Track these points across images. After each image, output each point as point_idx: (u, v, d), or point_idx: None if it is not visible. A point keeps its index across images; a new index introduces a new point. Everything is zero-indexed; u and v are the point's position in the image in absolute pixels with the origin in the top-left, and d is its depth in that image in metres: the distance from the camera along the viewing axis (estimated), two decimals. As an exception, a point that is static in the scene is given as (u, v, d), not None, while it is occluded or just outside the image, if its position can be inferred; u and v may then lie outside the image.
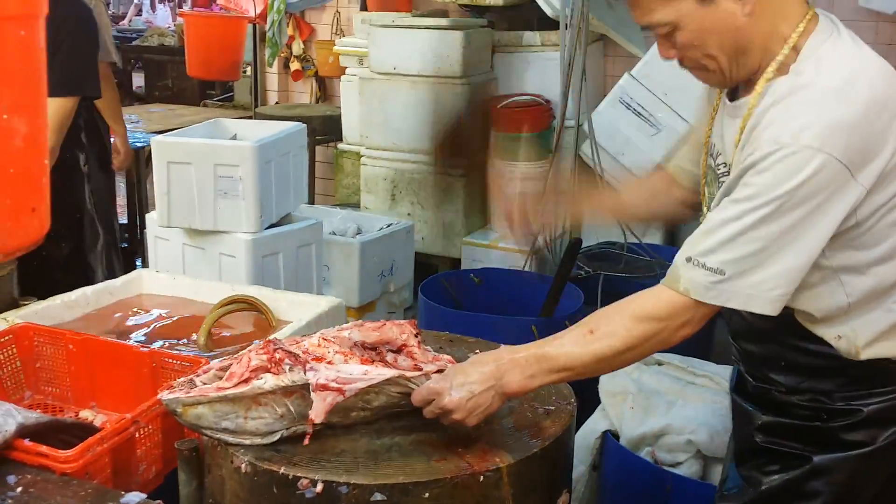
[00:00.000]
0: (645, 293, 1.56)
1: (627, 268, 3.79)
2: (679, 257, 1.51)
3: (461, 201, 4.59)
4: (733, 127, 1.55)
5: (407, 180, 4.68)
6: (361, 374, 1.57)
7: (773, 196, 1.40)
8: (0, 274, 2.33)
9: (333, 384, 1.55)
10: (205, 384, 1.62)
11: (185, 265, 3.39)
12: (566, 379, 1.60)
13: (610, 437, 2.44)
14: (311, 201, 5.36)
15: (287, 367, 1.59)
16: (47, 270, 2.71)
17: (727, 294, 1.46)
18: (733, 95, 1.61)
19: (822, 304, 1.53)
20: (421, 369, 1.69)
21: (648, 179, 2.05)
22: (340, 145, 5.20)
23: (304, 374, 1.56)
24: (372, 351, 1.75)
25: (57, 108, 2.72)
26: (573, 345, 1.55)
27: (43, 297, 2.36)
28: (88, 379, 2.08)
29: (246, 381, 1.57)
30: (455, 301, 3.37)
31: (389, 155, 4.70)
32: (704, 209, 1.68)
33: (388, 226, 4.25)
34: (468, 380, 1.55)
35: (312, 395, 1.54)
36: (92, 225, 3.01)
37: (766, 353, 1.65)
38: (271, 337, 1.95)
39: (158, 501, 1.58)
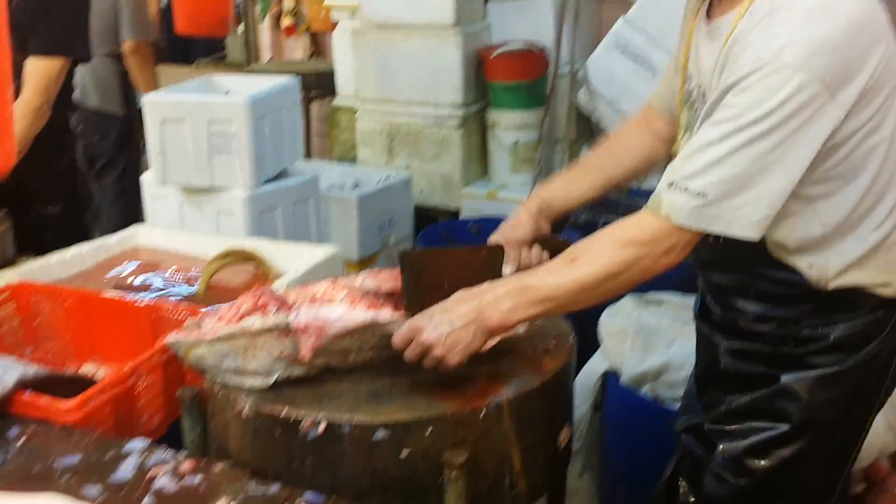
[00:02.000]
0: (627, 220, 1.54)
1: (628, 212, 3.77)
2: (661, 183, 1.50)
3: (459, 152, 4.56)
4: (711, 50, 1.53)
5: (403, 133, 4.65)
6: (337, 317, 1.57)
7: (754, 116, 1.38)
8: (-3, 232, 2.33)
9: (313, 325, 1.55)
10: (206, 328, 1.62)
11: (184, 224, 3.38)
12: (550, 311, 1.57)
13: (611, 376, 2.45)
14: (308, 157, 5.35)
15: (272, 311, 1.59)
16: (41, 230, 2.70)
17: (709, 218, 1.44)
18: (710, 16, 1.58)
19: (797, 234, 1.53)
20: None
21: (617, 139, 1.95)
22: (335, 101, 5.15)
23: (287, 317, 1.57)
24: (388, 298, 1.74)
25: (44, 68, 2.69)
26: (554, 274, 1.54)
27: (39, 256, 2.35)
28: (88, 334, 2.08)
29: (231, 321, 1.58)
30: (455, 251, 3.36)
31: (385, 108, 4.65)
32: (679, 137, 1.66)
33: (386, 179, 4.23)
34: (448, 316, 1.54)
35: (297, 335, 1.55)
36: (85, 185, 2.99)
37: (733, 282, 1.64)
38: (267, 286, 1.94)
39: (162, 445, 1.59)
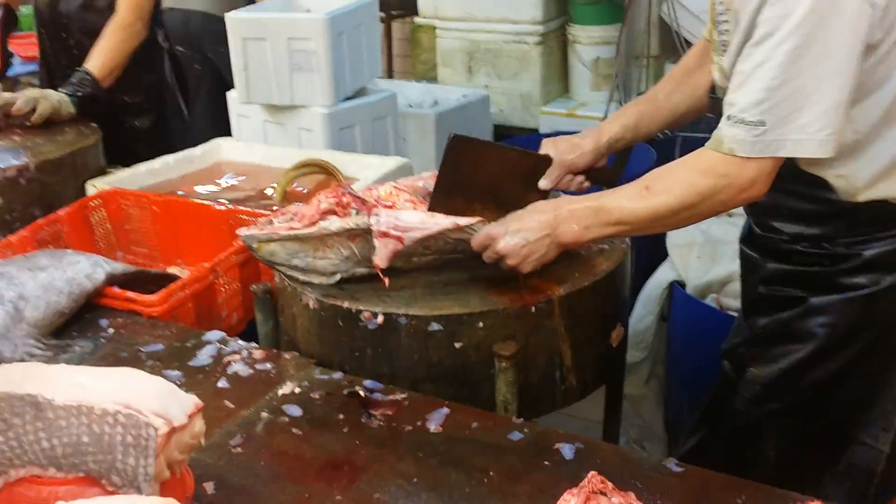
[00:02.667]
0: (697, 152, 1.52)
1: (709, 129, 3.72)
2: (721, 121, 1.46)
3: (538, 70, 4.55)
4: None
5: (483, 51, 4.65)
6: (419, 222, 1.63)
7: (790, 27, 1.34)
8: (87, 144, 2.47)
9: (393, 231, 1.61)
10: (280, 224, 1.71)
11: (267, 140, 3.49)
12: (622, 233, 1.61)
13: (677, 286, 2.48)
14: (390, 77, 5.40)
15: (353, 211, 1.66)
16: (131, 142, 2.84)
17: (776, 144, 1.40)
18: None
19: None
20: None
21: (682, 70, 1.89)
22: (416, 19, 5.17)
23: (368, 219, 1.63)
24: None
25: None
26: (631, 199, 1.54)
27: (128, 166, 2.49)
28: (173, 238, 2.22)
29: (314, 222, 1.65)
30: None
31: (464, 26, 4.66)
32: (714, 56, 1.62)
33: (464, 97, 4.26)
34: (524, 226, 1.58)
35: (375, 241, 1.61)
36: (172, 98, 3.11)
37: (768, 202, 1.59)
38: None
39: (235, 338, 1.72)
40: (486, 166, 1.70)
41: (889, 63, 1.44)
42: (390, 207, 1.69)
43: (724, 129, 1.45)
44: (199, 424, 1.24)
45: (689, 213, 1.52)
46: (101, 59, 2.71)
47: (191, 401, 1.24)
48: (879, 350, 1.60)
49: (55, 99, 2.60)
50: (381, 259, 1.60)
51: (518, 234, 1.58)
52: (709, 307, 2.37)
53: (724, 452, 1.74)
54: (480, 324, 1.56)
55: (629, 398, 2.66)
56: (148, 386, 1.23)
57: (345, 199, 1.64)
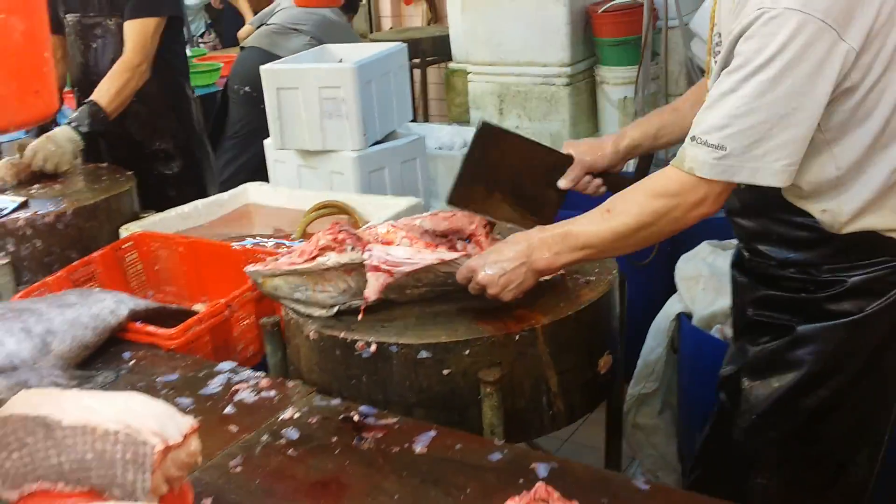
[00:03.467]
0: (657, 173, 1.61)
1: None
2: (686, 138, 1.55)
3: (567, 110, 4.65)
4: None
5: (513, 93, 4.78)
6: (407, 257, 1.74)
7: (760, 61, 1.42)
8: (121, 190, 2.64)
9: (384, 266, 1.73)
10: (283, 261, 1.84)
11: (302, 184, 3.65)
12: (590, 257, 1.68)
13: (684, 317, 2.54)
14: (426, 120, 5.56)
15: (349, 248, 1.78)
16: (162, 188, 3.02)
17: (732, 169, 1.47)
18: None
19: (812, 177, 1.55)
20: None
21: (703, 87, 1.94)
22: (450, 65, 5.33)
23: (362, 254, 1.75)
24: (442, 238, 1.92)
25: (139, 29, 3.00)
26: (592, 223, 1.64)
27: (160, 211, 2.66)
28: (198, 277, 2.37)
29: (313, 258, 1.77)
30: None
31: (494, 70, 4.79)
32: (708, 83, 1.70)
33: (494, 138, 4.38)
34: (501, 257, 1.68)
35: (367, 274, 1.73)
36: (201, 145, 3.30)
37: (757, 227, 1.67)
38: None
39: (245, 368, 1.84)
40: (511, 157, 1.77)
41: (870, 103, 1.49)
42: (388, 244, 1.81)
43: (688, 149, 1.53)
44: (195, 444, 1.36)
45: (648, 232, 1.60)
46: (109, 92, 2.92)
47: (187, 422, 1.35)
48: (869, 375, 1.64)
49: (62, 139, 2.80)
50: (371, 292, 1.71)
51: (496, 265, 1.67)
52: (713, 338, 2.43)
53: (726, 482, 1.78)
54: (467, 351, 1.66)
55: (643, 429, 2.72)
56: (148, 408, 1.35)
57: (341, 237, 1.76)
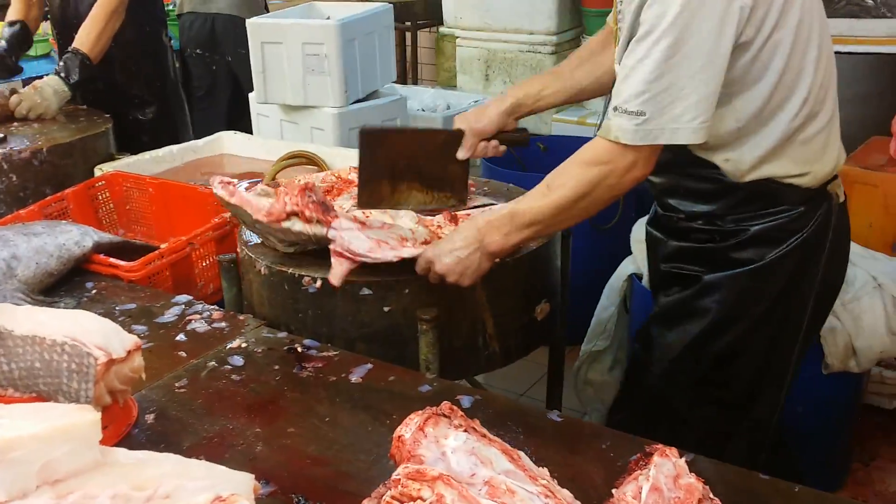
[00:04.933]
0: (587, 145, 1.67)
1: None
2: (609, 109, 1.63)
3: (551, 79, 4.71)
4: None
5: (499, 60, 4.84)
6: (368, 250, 1.74)
7: (664, 26, 1.50)
8: (97, 131, 2.72)
9: (347, 254, 1.74)
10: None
11: (284, 137, 3.72)
12: (539, 233, 1.74)
13: (635, 278, 2.63)
14: (416, 83, 5.62)
15: (315, 220, 1.81)
16: (137, 133, 3.10)
17: (653, 133, 1.56)
18: None
19: (714, 130, 1.62)
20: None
21: (588, 50, 2.05)
22: (441, 29, 5.39)
23: (326, 231, 1.77)
24: None
25: None
26: (535, 200, 1.70)
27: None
28: (167, 218, 2.45)
29: (279, 220, 1.78)
30: (521, 167, 3.57)
31: (482, 35, 4.86)
32: (615, 55, 1.75)
33: (475, 103, 4.45)
34: (454, 246, 1.72)
35: (332, 258, 1.75)
36: (176, 93, 3.37)
37: (666, 183, 1.76)
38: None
39: (200, 301, 1.93)
40: (401, 150, 1.88)
41: (764, 58, 1.59)
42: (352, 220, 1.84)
43: (611, 119, 1.61)
44: (138, 360, 1.45)
45: (588, 202, 1.66)
46: (90, 38, 2.99)
47: (131, 339, 1.45)
48: (771, 321, 1.74)
49: (49, 92, 2.88)
50: (336, 278, 1.73)
51: (451, 255, 1.71)
52: (661, 298, 2.52)
53: (642, 425, 1.88)
54: (406, 290, 1.75)
55: (593, 384, 2.82)
56: (94, 324, 1.44)
57: (308, 212, 1.77)
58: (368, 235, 1.76)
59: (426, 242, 1.82)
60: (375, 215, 1.89)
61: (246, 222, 1.88)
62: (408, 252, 1.76)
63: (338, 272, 1.75)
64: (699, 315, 1.76)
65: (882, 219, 2.78)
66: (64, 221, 2.14)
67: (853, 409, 2.58)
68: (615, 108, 1.59)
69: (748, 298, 1.73)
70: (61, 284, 2.01)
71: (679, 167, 1.70)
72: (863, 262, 2.46)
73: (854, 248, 2.52)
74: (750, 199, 1.69)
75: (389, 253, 1.75)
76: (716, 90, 1.55)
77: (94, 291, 1.99)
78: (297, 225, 1.79)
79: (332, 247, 1.75)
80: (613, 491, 1.14)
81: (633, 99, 1.55)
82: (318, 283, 1.77)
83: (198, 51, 4.37)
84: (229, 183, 1.89)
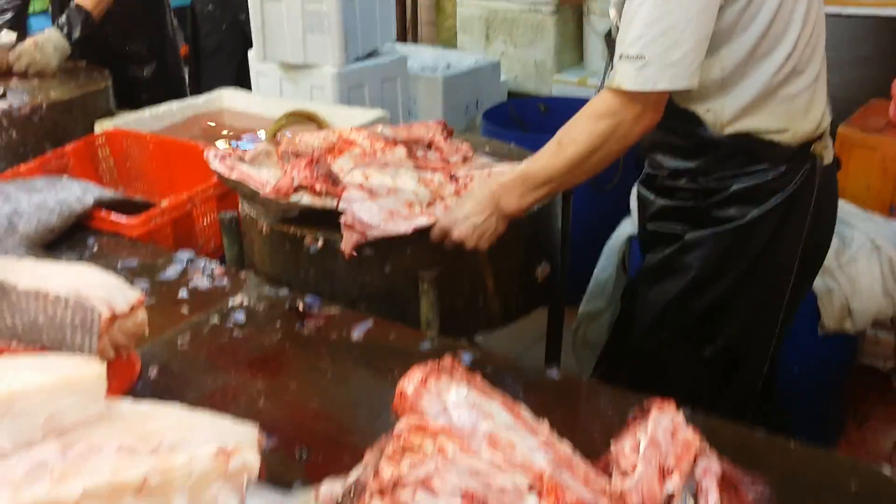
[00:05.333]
0: (595, 98, 1.68)
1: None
2: (614, 59, 1.63)
3: (552, 39, 4.69)
4: None
5: (500, 19, 4.81)
6: (380, 222, 1.74)
7: None
8: (96, 88, 2.71)
9: (358, 226, 1.75)
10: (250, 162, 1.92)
11: (284, 96, 3.71)
12: (553, 190, 1.75)
13: (634, 240, 2.64)
14: (416, 42, 5.58)
15: (324, 192, 1.80)
16: (135, 90, 3.09)
17: (654, 78, 1.56)
18: None
19: (701, 79, 1.62)
20: (448, 162, 1.95)
21: None
22: (443, -13, 5.36)
23: (337, 205, 1.79)
24: (404, 147, 2.00)
25: None
26: (547, 159, 1.71)
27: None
28: (168, 175, 2.45)
29: (287, 194, 1.79)
30: (521, 127, 3.56)
31: (483, -6, 4.83)
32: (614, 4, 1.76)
33: (475, 62, 4.43)
34: (469, 212, 1.72)
35: (343, 230, 1.75)
36: (174, 51, 3.35)
37: (653, 138, 1.76)
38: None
39: (202, 257, 1.94)
40: None
41: (753, 9, 1.60)
42: (359, 187, 1.84)
43: (616, 67, 1.62)
44: (141, 315, 1.46)
45: (601, 155, 1.66)
46: None
47: (134, 294, 1.45)
48: (752, 280, 1.76)
49: (49, 48, 2.86)
50: (347, 247, 1.74)
51: (467, 221, 1.72)
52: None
53: (628, 382, 1.90)
54: (408, 250, 1.76)
55: (592, 345, 2.83)
56: (98, 279, 1.45)
57: (317, 186, 1.78)
58: (380, 206, 1.77)
59: (430, 204, 1.82)
60: (376, 177, 1.89)
61: (244, 194, 1.88)
62: (422, 221, 1.75)
63: (349, 242, 1.75)
64: (681, 272, 1.79)
65: (880, 181, 2.79)
66: (66, 178, 2.14)
67: (848, 370, 2.61)
68: (620, 56, 1.60)
69: (729, 257, 1.75)
70: (62, 240, 2.01)
71: (664, 121, 1.70)
72: (860, 223, 2.47)
73: (852, 209, 2.54)
74: (730, 155, 1.71)
75: (403, 224, 1.75)
76: (708, 35, 1.57)
77: (95, 248, 2.00)
78: (305, 198, 1.80)
79: (342, 219, 1.75)
80: (612, 445, 1.15)
81: (634, 43, 1.57)
82: (320, 242, 1.78)
83: (209, 7, 4.32)
84: (226, 156, 1.89)
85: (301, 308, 1.72)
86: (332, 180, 1.84)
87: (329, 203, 1.79)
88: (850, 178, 2.78)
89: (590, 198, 3.10)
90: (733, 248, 1.74)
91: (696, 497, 1.08)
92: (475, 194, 1.77)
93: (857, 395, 2.77)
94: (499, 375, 1.48)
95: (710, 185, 1.74)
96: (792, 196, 1.71)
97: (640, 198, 1.93)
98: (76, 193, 2.01)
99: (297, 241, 1.81)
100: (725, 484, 1.12)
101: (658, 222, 1.84)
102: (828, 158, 1.76)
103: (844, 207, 2.53)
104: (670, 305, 1.81)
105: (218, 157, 1.89)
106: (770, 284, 1.78)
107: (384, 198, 1.80)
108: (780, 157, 1.70)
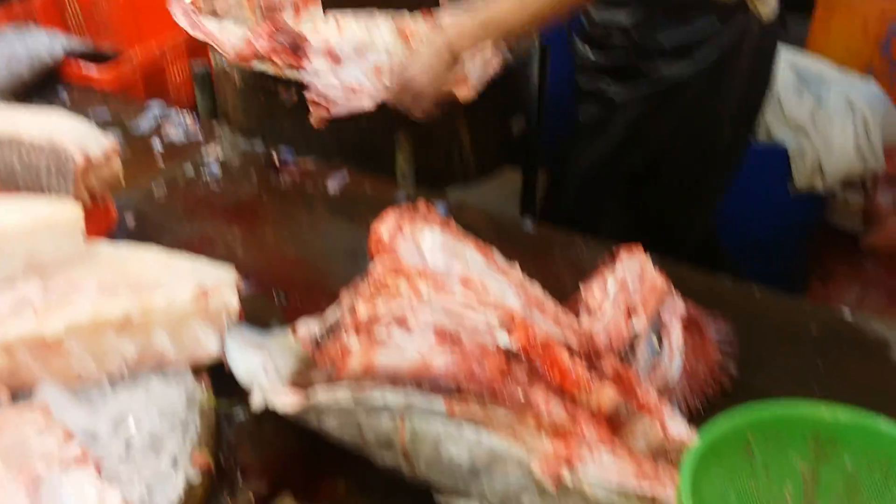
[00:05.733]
0: None
1: None
2: None
3: None
4: None
5: None
6: (344, 97, 1.71)
7: None
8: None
9: (322, 101, 1.72)
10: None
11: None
12: (513, 33, 1.66)
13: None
14: None
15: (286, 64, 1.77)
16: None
17: None
18: None
19: None
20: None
21: None
22: None
23: (301, 75, 1.74)
24: None
25: None
26: (510, 6, 1.60)
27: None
28: (136, 28, 2.39)
29: (248, 60, 1.77)
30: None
31: None
32: None
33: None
34: (424, 62, 1.62)
35: (309, 105, 1.73)
36: None
37: None
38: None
39: (174, 107, 1.92)
40: None
41: None
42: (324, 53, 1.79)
43: None
44: (116, 163, 1.45)
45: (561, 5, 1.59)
46: None
47: (109, 142, 1.45)
48: (682, 140, 1.75)
49: None
50: (316, 122, 1.72)
51: (426, 74, 1.62)
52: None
53: None
54: (384, 103, 1.74)
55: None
56: (72, 126, 1.44)
57: (277, 53, 1.74)
58: (342, 79, 1.73)
59: None
60: (349, 32, 1.85)
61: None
62: (383, 95, 1.71)
63: (317, 118, 1.73)
64: (611, 133, 1.77)
65: (860, 42, 2.77)
66: (34, 28, 2.09)
67: (815, 231, 2.66)
68: None
69: (659, 117, 1.73)
70: (32, 92, 1.97)
71: None
72: (838, 83, 2.47)
73: (829, 69, 2.54)
74: (660, 10, 1.66)
75: (366, 101, 1.72)
76: None
77: (67, 101, 1.97)
78: (268, 68, 1.76)
79: (307, 94, 1.72)
80: (581, 288, 1.19)
81: None
82: (295, 96, 1.76)
83: None
84: (191, 12, 1.84)
85: (276, 161, 1.72)
86: (296, 49, 1.78)
87: (292, 74, 1.75)
88: (831, 39, 2.76)
89: (566, 57, 3.06)
90: (663, 108, 1.72)
91: (660, 336, 1.13)
92: (427, 42, 1.69)
93: (822, 256, 2.83)
94: (473, 226, 1.50)
95: (641, 42, 1.70)
96: (724, 55, 1.66)
97: (574, 50, 1.87)
98: (45, 44, 1.97)
99: (271, 94, 1.79)
100: (689, 324, 1.16)
101: (589, 76, 1.80)
102: (767, 15, 1.69)
103: (822, 68, 2.52)
104: (600, 167, 1.80)
105: (182, 12, 1.85)
106: (700, 147, 1.76)
107: (350, 64, 1.76)
108: (714, 13, 1.64)
